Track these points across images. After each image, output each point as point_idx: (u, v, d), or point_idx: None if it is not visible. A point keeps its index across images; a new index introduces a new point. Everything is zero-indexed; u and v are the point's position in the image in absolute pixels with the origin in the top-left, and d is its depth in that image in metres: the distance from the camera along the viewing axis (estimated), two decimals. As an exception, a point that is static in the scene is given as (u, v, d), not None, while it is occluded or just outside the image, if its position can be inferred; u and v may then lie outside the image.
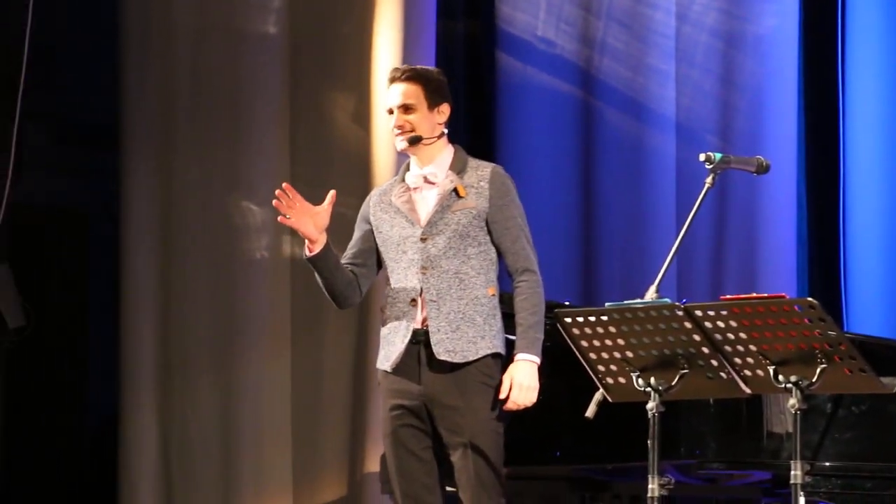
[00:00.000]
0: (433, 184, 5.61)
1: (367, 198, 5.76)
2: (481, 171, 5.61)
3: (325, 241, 5.53)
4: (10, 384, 9.12)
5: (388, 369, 5.57)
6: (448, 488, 5.64)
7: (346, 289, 5.63)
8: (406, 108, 5.60)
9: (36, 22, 7.59)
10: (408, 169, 5.67)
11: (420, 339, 5.52)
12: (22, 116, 7.72)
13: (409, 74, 5.63)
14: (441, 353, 5.49)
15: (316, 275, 5.60)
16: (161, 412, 8.14)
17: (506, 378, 5.49)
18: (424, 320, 5.52)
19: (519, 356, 5.50)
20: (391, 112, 5.63)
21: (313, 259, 5.54)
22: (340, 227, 7.78)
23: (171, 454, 8.13)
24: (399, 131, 5.60)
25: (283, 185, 5.50)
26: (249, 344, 8.11)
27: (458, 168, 5.61)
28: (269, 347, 8.12)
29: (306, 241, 5.52)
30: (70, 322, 9.42)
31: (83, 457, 9.40)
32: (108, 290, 8.69)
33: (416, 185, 5.63)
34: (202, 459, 8.10)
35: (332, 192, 5.54)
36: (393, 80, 5.65)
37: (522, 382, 5.47)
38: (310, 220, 5.50)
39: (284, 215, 5.48)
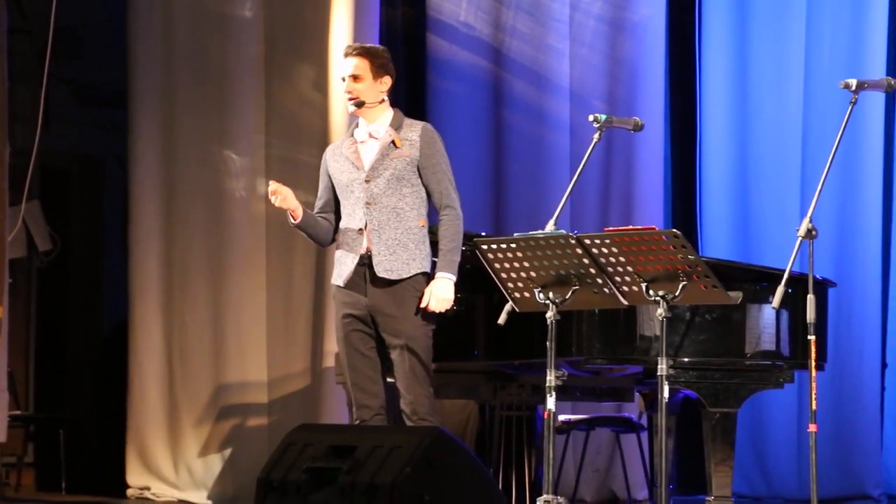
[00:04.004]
0: (376, 138, 5.53)
1: (323, 155, 5.67)
2: (414, 128, 5.56)
3: (301, 210, 5.48)
4: (42, 296, 9.03)
5: (341, 284, 5.52)
6: (388, 379, 5.61)
7: (325, 235, 5.61)
8: (355, 78, 5.52)
9: (60, 4, 7.45)
10: (357, 126, 5.58)
11: (365, 262, 5.48)
12: (50, 81, 7.57)
13: (359, 51, 5.55)
14: (381, 271, 5.45)
15: (301, 232, 5.56)
16: (164, 318, 8.07)
17: (427, 291, 5.46)
18: (368, 246, 5.45)
19: (439, 274, 5.48)
20: (344, 80, 5.54)
21: (298, 225, 5.51)
22: (307, 173, 7.74)
23: (173, 353, 8.07)
24: (349, 96, 5.52)
25: (270, 188, 5.42)
26: (233, 264, 8.05)
27: (396, 125, 5.55)
28: (249, 267, 8.05)
29: (289, 212, 5.46)
30: (89, 247, 9.33)
31: (101, 355, 9.31)
32: (120, 222, 8.56)
33: (363, 139, 5.57)
34: (197, 357, 8.05)
35: (272, 185, 5.45)
36: (346, 54, 5.57)
37: (439, 295, 5.44)
38: (290, 200, 5.43)
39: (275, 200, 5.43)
